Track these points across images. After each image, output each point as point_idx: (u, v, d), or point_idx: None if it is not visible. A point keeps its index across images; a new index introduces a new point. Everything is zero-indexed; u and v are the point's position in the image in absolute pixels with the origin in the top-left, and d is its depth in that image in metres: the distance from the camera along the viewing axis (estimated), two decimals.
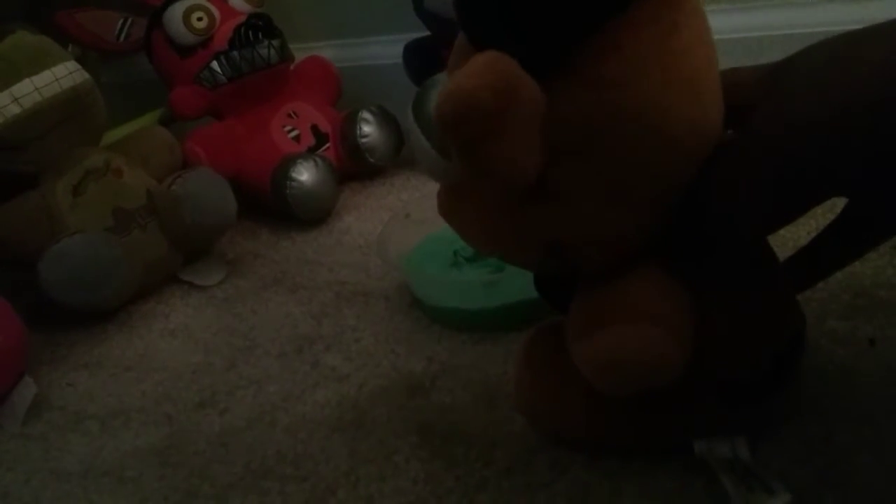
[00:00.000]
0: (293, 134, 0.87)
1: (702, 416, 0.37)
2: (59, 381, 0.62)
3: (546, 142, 0.29)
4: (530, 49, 0.29)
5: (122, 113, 0.93)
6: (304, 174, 0.78)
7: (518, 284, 0.43)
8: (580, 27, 0.29)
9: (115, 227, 0.71)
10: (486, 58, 0.27)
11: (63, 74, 0.69)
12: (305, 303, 0.65)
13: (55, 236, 0.67)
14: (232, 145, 0.85)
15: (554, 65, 0.29)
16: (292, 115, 0.88)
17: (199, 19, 0.82)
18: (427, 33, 0.84)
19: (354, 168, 0.88)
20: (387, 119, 0.86)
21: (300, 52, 0.93)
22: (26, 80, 0.67)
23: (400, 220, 0.64)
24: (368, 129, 0.85)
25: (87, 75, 0.72)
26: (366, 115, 0.85)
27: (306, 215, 0.80)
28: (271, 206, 0.81)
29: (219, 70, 0.83)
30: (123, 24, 0.88)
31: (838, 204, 0.35)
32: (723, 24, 0.70)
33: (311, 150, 0.86)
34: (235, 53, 0.82)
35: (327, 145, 0.88)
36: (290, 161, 0.79)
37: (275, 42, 0.85)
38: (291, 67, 0.90)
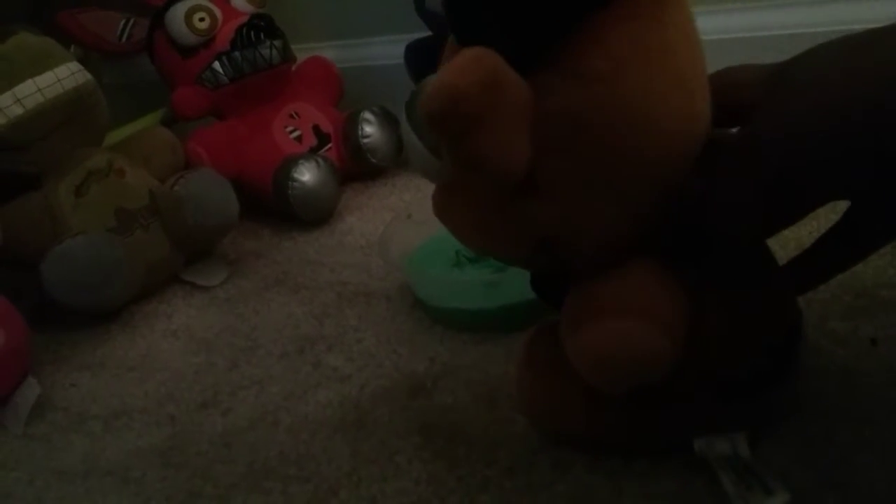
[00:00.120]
0: (295, 134, 0.87)
1: (701, 414, 0.37)
2: (62, 381, 0.62)
3: (534, 136, 0.30)
4: (515, 44, 0.29)
5: (125, 113, 0.94)
6: (306, 175, 0.78)
7: (519, 285, 0.43)
8: (562, 22, 0.29)
9: (117, 227, 0.71)
10: (471, 53, 0.28)
11: (65, 75, 0.69)
12: (307, 303, 0.65)
13: (58, 237, 0.67)
14: (234, 146, 0.85)
15: (538, 60, 0.30)
16: (294, 115, 0.89)
17: (201, 20, 0.83)
18: (428, 33, 0.84)
19: (356, 168, 0.88)
20: (388, 119, 0.86)
21: (302, 53, 0.93)
22: (29, 81, 0.67)
23: (402, 220, 0.64)
24: (370, 129, 0.85)
25: (89, 76, 0.72)
26: (367, 115, 0.85)
27: (308, 216, 0.80)
28: (273, 207, 0.81)
29: (221, 70, 0.83)
30: (125, 24, 0.88)
31: (840, 204, 0.35)
32: (723, 24, 0.70)
33: (313, 151, 0.86)
34: (237, 54, 0.83)
35: (329, 146, 0.88)
36: (291, 161, 0.79)
37: (277, 42, 0.85)
38: (293, 68, 0.91)
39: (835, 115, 0.29)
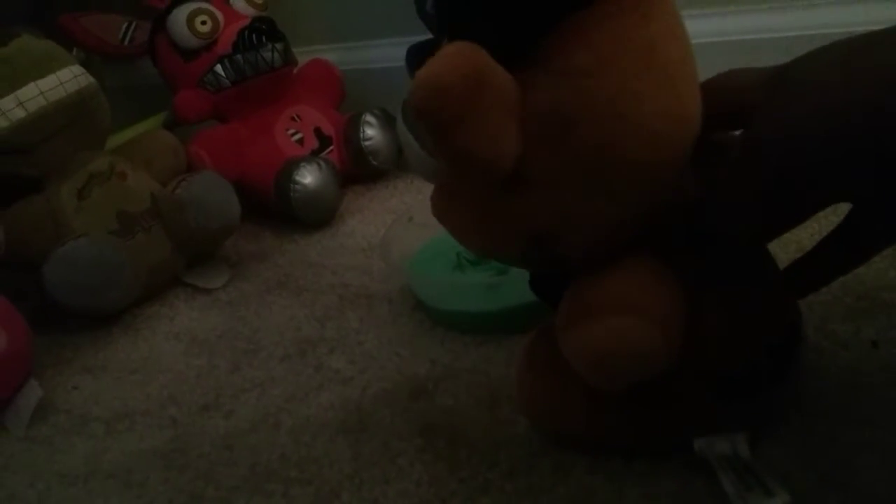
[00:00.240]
0: (296, 137, 0.88)
1: (701, 414, 0.37)
2: (63, 384, 0.63)
3: (522, 131, 0.30)
4: (502, 40, 0.29)
5: (127, 116, 0.94)
6: (308, 177, 0.78)
7: (520, 287, 0.43)
8: (548, 19, 0.30)
9: (119, 230, 0.71)
10: (455, 47, 0.28)
11: (68, 78, 0.69)
12: (309, 305, 0.65)
13: (60, 240, 0.67)
14: (236, 148, 0.85)
15: (525, 55, 0.30)
16: (296, 118, 0.89)
17: (203, 23, 0.83)
18: (430, 36, 0.84)
19: (358, 171, 0.88)
20: (390, 122, 0.86)
21: (303, 56, 0.93)
22: (31, 84, 0.67)
23: (403, 222, 0.64)
24: (372, 132, 0.85)
25: (91, 79, 0.72)
26: (369, 118, 0.85)
27: (310, 218, 0.80)
28: (275, 209, 0.82)
29: (222, 73, 0.84)
30: (127, 27, 0.88)
31: (842, 207, 0.35)
32: (723, 26, 0.70)
33: (315, 153, 0.86)
34: (239, 57, 0.83)
35: (331, 148, 0.88)
36: (293, 164, 0.79)
37: (278, 45, 0.85)
38: (295, 71, 0.91)
39: (835, 117, 0.29)
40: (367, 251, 0.73)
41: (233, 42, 0.83)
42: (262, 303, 0.68)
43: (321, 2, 1.01)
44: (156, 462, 0.50)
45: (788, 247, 0.53)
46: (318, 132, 0.89)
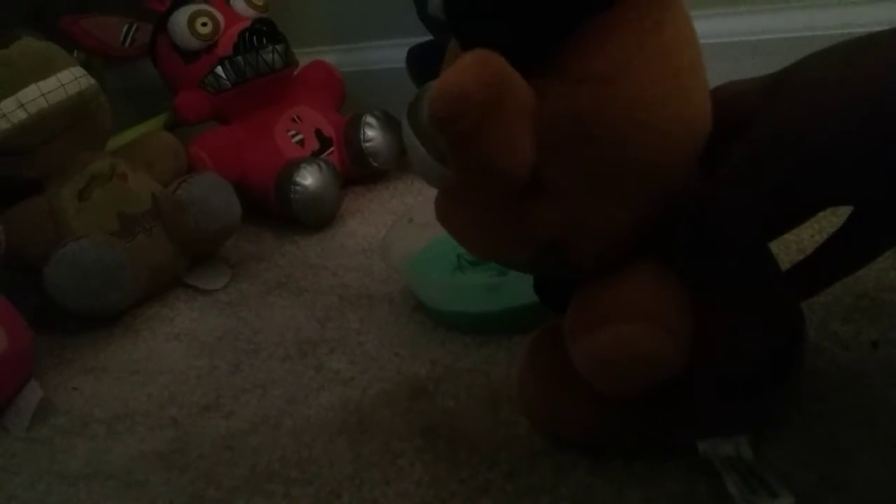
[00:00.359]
0: (297, 138, 0.88)
1: (704, 416, 0.37)
2: (64, 384, 0.63)
3: (537, 138, 0.30)
4: (517, 46, 0.29)
5: (127, 118, 0.94)
6: (308, 178, 0.78)
7: (521, 288, 0.43)
8: (565, 24, 0.29)
9: (120, 231, 0.71)
10: (475, 55, 0.28)
11: (69, 80, 0.69)
12: (309, 306, 0.65)
13: (61, 241, 0.67)
14: (236, 150, 0.86)
15: (541, 62, 0.30)
16: (296, 119, 0.89)
17: (204, 24, 0.83)
18: (430, 37, 0.84)
19: (358, 172, 0.88)
20: (390, 123, 0.86)
21: (304, 57, 0.93)
22: (32, 86, 0.67)
23: (404, 223, 0.64)
24: (372, 133, 0.85)
25: (92, 81, 0.73)
26: (369, 119, 0.85)
27: (310, 219, 0.80)
28: (275, 211, 0.82)
29: (223, 75, 0.84)
30: (128, 29, 0.88)
31: (842, 208, 0.35)
32: (724, 27, 0.70)
33: (315, 155, 0.86)
34: (240, 58, 0.83)
35: (331, 149, 0.88)
36: (293, 165, 0.79)
37: (279, 47, 0.85)
38: (295, 72, 0.91)
39: (834, 119, 0.29)
40: (368, 252, 0.73)
41: (233, 44, 0.83)
42: (263, 304, 0.68)
43: (321, 3, 1.01)
44: (156, 463, 0.50)
45: (789, 247, 0.53)
46: (318, 133, 0.89)
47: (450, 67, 0.28)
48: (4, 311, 0.60)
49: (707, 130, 0.32)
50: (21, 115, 0.67)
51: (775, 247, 0.38)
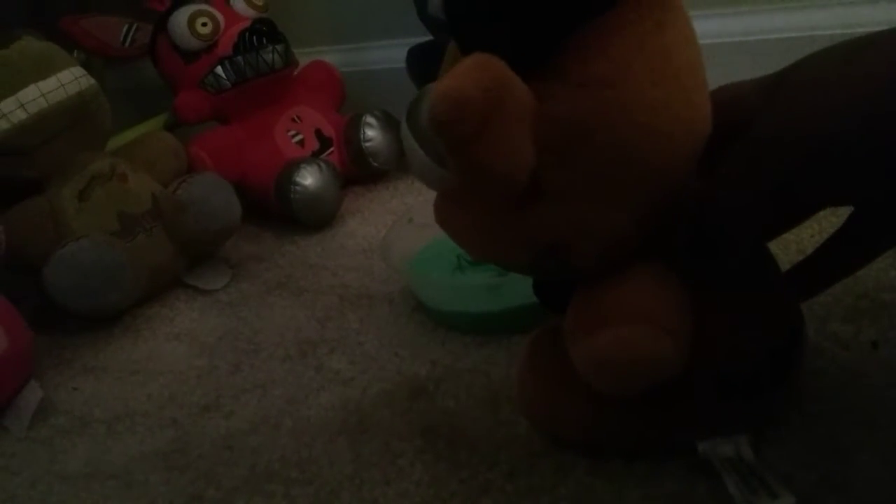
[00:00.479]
0: (297, 138, 0.88)
1: (703, 416, 0.37)
2: (64, 385, 0.63)
3: (537, 141, 0.30)
4: (516, 50, 0.29)
5: (128, 118, 0.94)
6: (308, 178, 0.78)
7: (521, 288, 0.43)
8: (565, 27, 0.29)
9: (120, 231, 0.71)
10: (475, 59, 0.28)
11: (69, 80, 0.69)
12: (309, 306, 0.65)
13: (61, 241, 0.67)
14: (236, 150, 0.86)
15: (540, 65, 0.30)
16: (296, 119, 0.89)
17: (204, 25, 0.83)
18: (430, 38, 0.84)
19: (358, 172, 0.88)
20: (390, 123, 0.86)
21: (304, 57, 0.93)
22: (32, 86, 0.67)
23: (404, 223, 0.64)
24: (372, 133, 0.85)
25: (92, 81, 0.73)
26: (369, 119, 0.85)
27: (310, 219, 0.80)
28: (275, 211, 0.82)
29: (223, 75, 0.84)
30: (128, 29, 0.88)
31: (842, 207, 0.35)
32: (723, 28, 0.70)
33: (315, 155, 0.86)
34: (240, 58, 0.83)
35: (331, 149, 0.88)
36: (293, 165, 0.79)
37: (279, 47, 0.85)
38: (295, 72, 0.91)
39: (834, 119, 0.29)
40: (368, 252, 0.73)
41: (233, 44, 0.83)
42: (263, 304, 0.68)
43: (322, 3, 1.01)
44: (156, 463, 0.50)
45: (789, 247, 0.53)
46: (318, 133, 0.89)
47: (449, 71, 0.28)
48: (4, 311, 0.60)
49: (707, 132, 0.32)
50: (21, 115, 0.67)
51: (775, 247, 0.38)
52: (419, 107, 0.31)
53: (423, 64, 0.85)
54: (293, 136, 0.88)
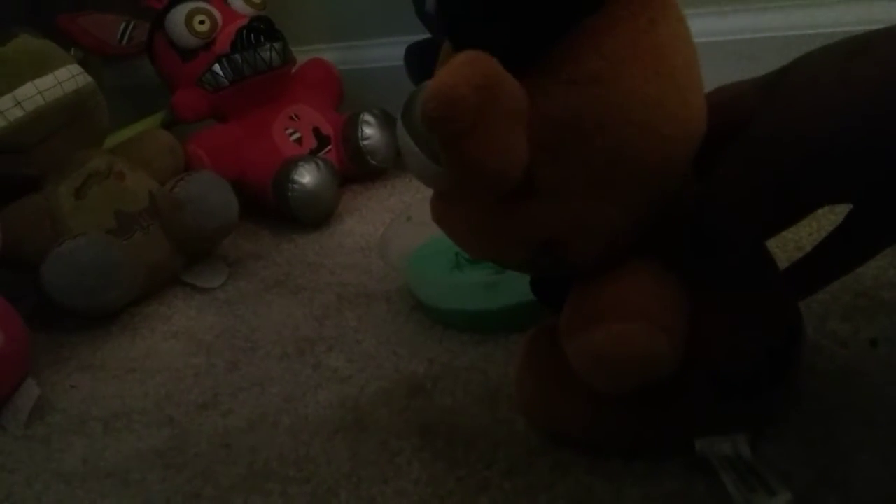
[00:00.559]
0: (295, 136, 0.88)
1: (701, 414, 0.37)
2: (61, 383, 0.62)
3: (531, 139, 0.30)
4: (509, 47, 0.29)
5: (125, 116, 0.94)
6: (306, 176, 0.78)
7: (519, 286, 0.43)
8: (558, 25, 0.29)
9: (117, 229, 0.71)
10: (467, 56, 0.28)
11: (66, 77, 0.69)
12: (307, 304, 0.65)
13: (58, 239, 0.67)
14: (234, 148, 0.85)
15: (533, 63, 0.30)
16: (294, 117, 0.89)
17: (202, 22, 0.83)
18: (428, 36, 0.84)
19: (356, 170, 0.88)
20: (388, 121, 0.86)
21: (302, 55, 0.93)
22: (29, 84, 0.67)
23: (401, 222, 0.64)
24: (370, 131, 0.85)
25: (89, 78, 0.72)
26: (367, 117, 0.85)
27: (308, 217, 0.80)
28: (273, 209, 0.82)
29: (221, 73, 0.84)
30: (126, 27, 0.88)
31: (841, 206, 0.35)
32: (719, 26, 0.70)
33: (313, 153, 0.86)
34: (237, 56, 0.83)
35: (329, 148, 0.88)
36: (291, 163, 0.79)
37: (276, 45, 0.85)
38: (293, 70, 0.91)
39: (834, 117, 0.29)
40: (366, 250, 0.73)
41: (231, 41, 0.82)
42: (261, 302, 0.68)
43: (320, 1, 1.01)
44: (154, 461, 0.50)
45: (787, 245, 0.53)
46: (316, 132, 0.89)
47: (442, 68, 0.28)
48: (1, 310, 0.60)
49: (702, 130, 0.32)
50: (18, 113, 0.66)
51: (773, 245, 0.38)
52: (414, 104, 0.31)
53: (422, 62, 0.85)
54: (291, 135, 0.87)
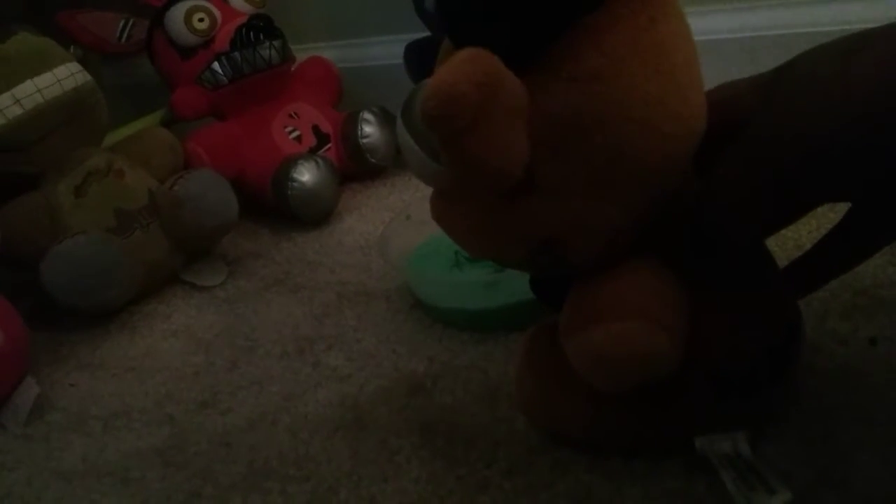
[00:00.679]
0: (294, 134, 0.87)
1: (701, 413, 0.37)
2: (61, 381, 0.62)
3: (531, 136, 0.30)
4: (510, 45, 0.29)
5: (124, 114, 0.94)
6: (306, 175, 0.78)
7: (519, 284, 0.43)
8: (558, 22, 0.29)
9: (116, 227, 0.71)
10: (466, 53, 0.28)
11: (65, 75, 0.69)
12: (307, 303, 0.65)
13: (57, 237, 0.67)
14: (233, 146, 0.85)
15: (534, 61, 0.30)
16: (293, 115, 0.89)
17: (201, 20, 0.83)
18: (428, 34, 0.84)
19: (355, 168, 0.88)
20: (388, 119, 0.86)
21: (301, 53, 0.93)
22: (28, 82, 0.67)
23: (401, 220, 0.64)
24: (370, 129, 0.85)
25: (88, 76, 0.72)
26: (367, 115, 0.85)
27: (307, 216, 0.80)
28: (272, 207, 0.81)
29: (220, 71, 0.83)
30: (125, 25, 0.88)
31: (840, 204, 0.35)
32: (719, 24, 0.70)
33: (313, 151, 0.86)
34: (237, 54, 0.83)
35: (328, 146, 0.88)
36: (291, 162, 0.79)
37: (276, 43, 0.85)
38: (292, 68, 0.91)
39: (831, 116, 0.29)
40: (365, 249, 0.73)
41: (230, 39, 0.82)
42: (260, 300, 0.68)
43: None
44: (153, 460, 0.50)
45: (786, 244, 0.53)
46: (315, 130, 0.89)
47: (442, 66, 0.28)
48: (1, 308, 0.60)
49: (702, 128, 0.32)
50: (17, 111, 0.66)
51: (772, 243, 0.38)
52: (414, 102, 0.31)
53: (421, 60, 0.85)
54: (290, 133, 0.87)
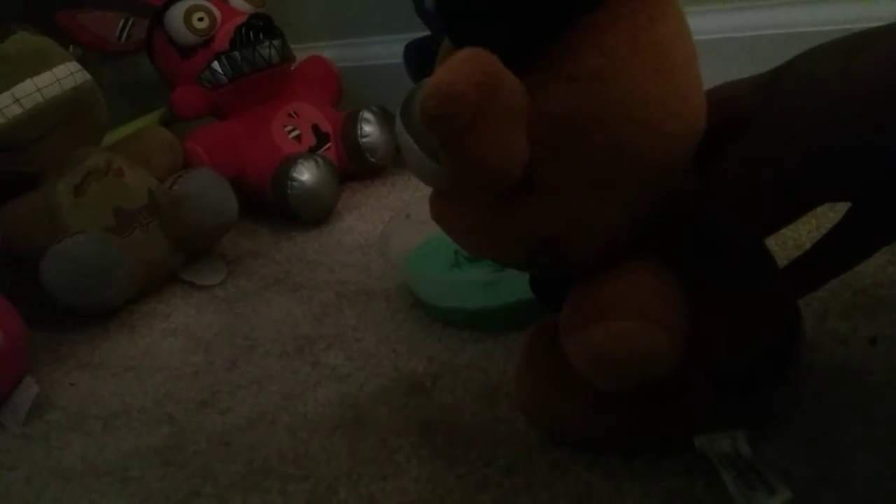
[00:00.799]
0: (294, 134, 0.87)
1: (701, 412, 0.37)
2: (60, 380, 0.62)
3: (530, 136, 0.30)
4: (509, 45, 0.29)
5: (124, 113, 0.93)
6: (305, 174, 0.78)
7: (519, 284, 0.43)
8: (557, 22, 0.29)
9: (116, 227, 0.71)
10: (466, 53, 0.28)
11: (64, 75, 0.69)
12: (306, 302, 0.65)
13: (57, 236, 0.67)
14: (233, 145, 0.85)
15: (533, 60, 0.30)
16: (293, 114, 0.89)
17: (200, 19, 0.83)
18: (428, 33, 0.84)
19: (355, 168, 0.88)
20: (388, 119, 0.86)
21: (301, 52, 0.93)
22: (28, 81, 0.67)
23: (401, 219, 0.64)
24: (369, 128, 0.85)
25: (88, 76, 0.72)
26: (367, 114, 0.85)
27: (307, 215, 0.80)
28: (272, 206, 0.81)
29: (220, 70, 0.83)
30: (125, 24, 0.88)
31: (840, 204, 0.35)
32: (719, 24, 0.70)
33: (312, 150, 0.86)
34: (236, 53, 0.83)
35: (328, 145, 0.88)
36: (291, 161, 0.79)
37: (276, 42, 0.85)
38: (292, 67, 0.91)
39: (831, 115, 0.29)
40: (365, 248, 0.73)
41: (230, 39, 0.82)
42: (260, 300, 0.68)
43: None
44: (153, 459, 0.50)
45: (786, 244, 0.53)
46: (315, 129, 0.88)
47: (442, 65, 0.28)
48: (0, 307, 0.60)
49: (702, 128, 0.32)
50: (16, 110, 0.66)
51: (772, 242, 0.38)
52: (414, 102, 0.31)
53: (421, 59, 0.85)
54: (290, 132, 0.87)
